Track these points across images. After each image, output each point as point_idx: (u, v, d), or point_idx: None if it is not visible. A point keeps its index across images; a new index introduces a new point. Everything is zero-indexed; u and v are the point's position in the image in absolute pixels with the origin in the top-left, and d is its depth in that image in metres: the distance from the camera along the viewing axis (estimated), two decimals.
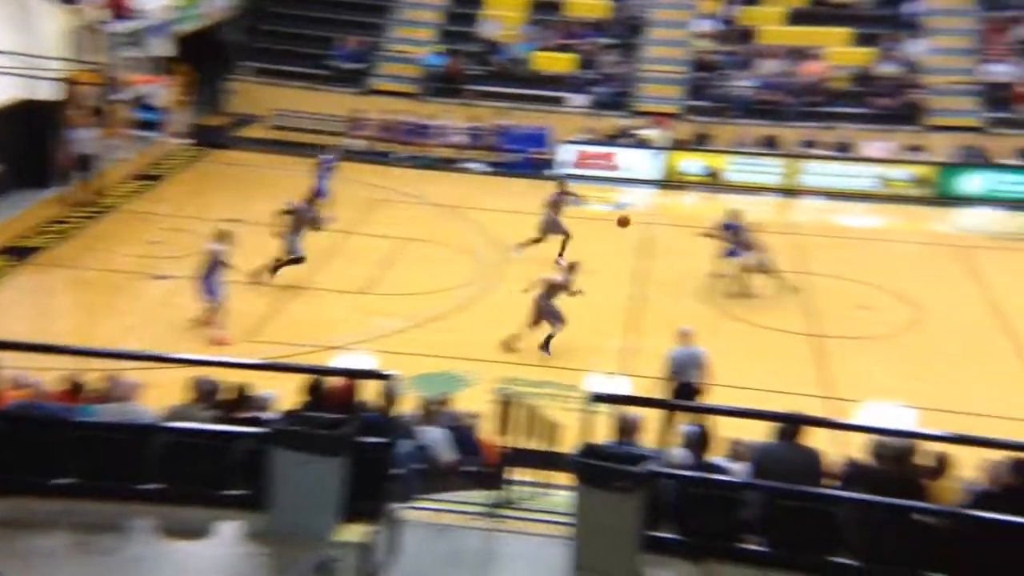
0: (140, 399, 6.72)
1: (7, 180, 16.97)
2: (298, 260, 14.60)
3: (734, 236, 14.95)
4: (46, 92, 17.34)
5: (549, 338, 12.85)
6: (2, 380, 6.69)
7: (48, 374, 7.90)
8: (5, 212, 16.76)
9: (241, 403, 7.17)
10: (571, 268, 13.24)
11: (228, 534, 5.78)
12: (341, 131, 22.40)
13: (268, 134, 22.71)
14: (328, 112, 22.62)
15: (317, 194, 16.72)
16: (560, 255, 15.51)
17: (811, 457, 6.08)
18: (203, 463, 5.89)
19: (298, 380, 6.78)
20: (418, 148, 22.00)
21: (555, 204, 16.19)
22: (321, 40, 24.35)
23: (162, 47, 21.04)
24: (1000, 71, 21.51)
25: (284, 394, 7.30)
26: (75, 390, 7.87)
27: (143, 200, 18.61)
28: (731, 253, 14.98)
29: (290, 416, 5.93)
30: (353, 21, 24.64)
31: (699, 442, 6.36)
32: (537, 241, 16.05)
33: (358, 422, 5.78)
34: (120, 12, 19.66)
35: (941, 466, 6.61)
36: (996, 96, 21.23)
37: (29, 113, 17.22)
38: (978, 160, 20.25)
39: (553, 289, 12.88)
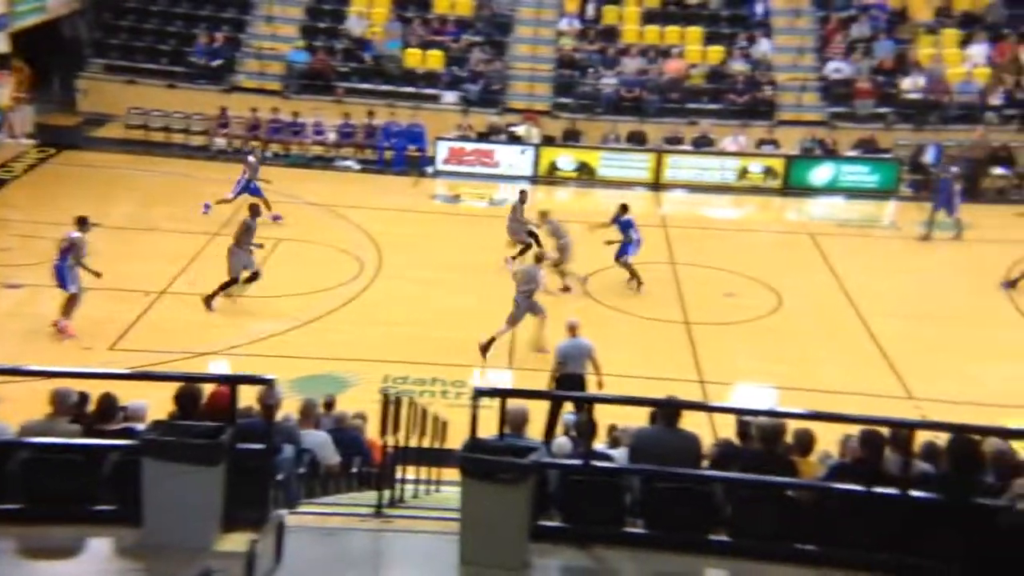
0: None
1: None
2: (255, 276, 13.97)
3: (624, 232, 15.20)
4: None
5: (492, 341, 12.81)
6: None
7: None
8: None
9: (108, 415, 6.84)
10: (539, 259, 13.49)
11: (99, 551, 5.53)
12: (204, 130, 21.67)
13: (125, 134, 21.71)
14: (190, 110, 21.83)
15: (252, 193, 16.86)
16: (513, 257, 15.70)
17: (688, 440, 6.29)
18: (69, 479, 5.64)
19: (171, 389, 6.53)
20: (289, 146, 21.46)
21: (522, 213, 16.13)
22: (179, 36, 23.48)
23: None
24: (840, 68, 22.84)
25: (156, 404, 7.03)
26: None
27: None
28: (623, 250, 15.18)
29: (163, 426, 5.75)
30: (212, 16, 23.88)
31: (583, 431, 6.50)
32: (529, 248, 15.89)
33: (236, 429, 5.64)
34: None
35: (805, 443, 6.97)
36: (837, 92, 22.53)
37: None
38: (824, 152, 21.39)
39: (530, 288, 12.87)
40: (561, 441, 6.76)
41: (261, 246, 14.19)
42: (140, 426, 6.65)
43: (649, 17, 24.13)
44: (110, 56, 23.16)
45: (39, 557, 5.50)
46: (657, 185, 20.95)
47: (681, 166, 21.09)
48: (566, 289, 15.13)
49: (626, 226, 15.24)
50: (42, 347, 12.25)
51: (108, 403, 6.93)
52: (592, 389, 10.75)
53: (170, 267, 15.09)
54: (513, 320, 12.92)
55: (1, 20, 19.85)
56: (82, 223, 12.84)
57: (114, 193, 18.53)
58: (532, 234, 15.90)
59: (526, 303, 12.91)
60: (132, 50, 23.10)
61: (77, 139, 21.58)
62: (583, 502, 5.88)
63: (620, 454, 6.92)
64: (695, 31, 23.77)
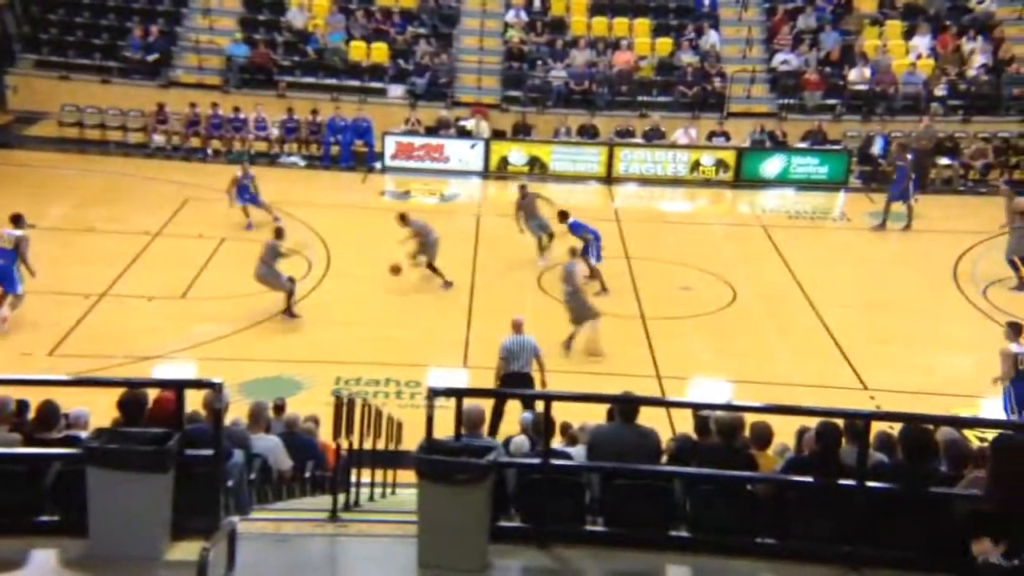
0: None
1: None
2: (291, 291, 13.68)
3: (577, 233, 15.06)
4: None
5: (571, 338, 12.69)
6: None
7: None
8: None
9: (50, 423, 6.59)
10: (574, 253, 13.47)
11: (43, 564, 5.37)
12: (141, 126, 21.14)
13: (59, 132, 21.11)
14: (126, 106, 21.29)
15: (253, 201, 16.77)
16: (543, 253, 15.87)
17: (646, 436, 6.24)
18: (10, 490, 5.50)
19: (114, 395, 6.31)
20: (230, 143, 21.00)
21: (526, 208, 15.99)
22: (112, 29, 22.92)
23: None
24: (787, 60, 23.10)
25: (99, 411, 6.80)
26: None
27: None
28: (584, 251, 15.00)
29: (107, 433, 5.60)
30: (146, 9, 23.35)
31: (538, 429, 6.42)
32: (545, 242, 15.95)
33: (183, 435, 5.47)
34: None
35: (763, 436, 6.98)
36: (786, 84, 22.78)
37: None
38: (774, 144, 21.61)
39: (575, 282, 12.72)
40: (519, 440, 6.69)
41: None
42: (83, 434, 6.48)
43: (596, 8, 24.16)
44: (41, 51, 22.53)
45: None
46: (609, 179, 20.97)
47: (633, 159, 21.13)
48: (448, 284, 14.92)
49: (577, 228, 15.16)
50: None
51: (49, 411, 6.70)
52: (538, 388, 10.66)
53: (109, 269, 14.70)
54: (578, 319, 12.73)
55: None
56: (17, 220, 12.50)
57: (49, 193, 17.99)
58: (546, 228, 15.92)
59: (574, 300, 12.76)
60: (64, 45, 22.51)
61: (8, 138, 20.99)
62: (542, 501, 5.82)
63: (578, 452, 6.87)
64: (643, 23, 23.85)
